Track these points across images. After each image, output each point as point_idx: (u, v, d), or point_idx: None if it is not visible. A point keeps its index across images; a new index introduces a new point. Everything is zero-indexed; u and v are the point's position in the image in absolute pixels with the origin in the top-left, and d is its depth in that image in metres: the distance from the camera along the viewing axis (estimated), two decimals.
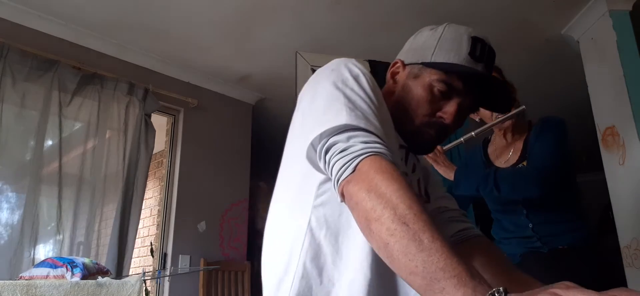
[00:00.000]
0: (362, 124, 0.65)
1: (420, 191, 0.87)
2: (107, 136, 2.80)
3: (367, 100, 0.70)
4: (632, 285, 2.25)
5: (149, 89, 2.96)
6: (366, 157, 0.62)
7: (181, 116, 3.27)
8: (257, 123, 3.80)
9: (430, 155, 1.68)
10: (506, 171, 1.53)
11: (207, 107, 3.37)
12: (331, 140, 0.65)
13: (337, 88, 0.70)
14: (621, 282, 2.22)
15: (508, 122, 1.60)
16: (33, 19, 2.57)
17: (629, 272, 2.33)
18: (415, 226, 0.54)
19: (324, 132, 0.66)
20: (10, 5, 2.47)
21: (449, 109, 0.81)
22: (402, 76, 0.86)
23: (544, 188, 1.42)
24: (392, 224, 0.55)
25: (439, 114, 0.81)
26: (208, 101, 3.39)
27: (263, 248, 0.79)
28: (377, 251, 0.59)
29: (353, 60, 0.77)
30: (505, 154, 1.64)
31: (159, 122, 3.27)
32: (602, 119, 2.58)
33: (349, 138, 0.64)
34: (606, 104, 2.56)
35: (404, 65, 0.87)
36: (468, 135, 1.66)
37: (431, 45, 0.82)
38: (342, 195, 0.64)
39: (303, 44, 2.83)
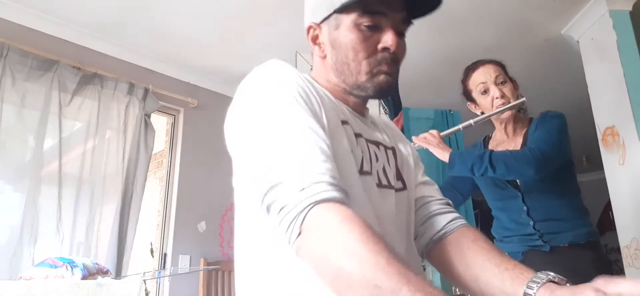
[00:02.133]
0: (291, 171, 0.58)
1: (388, 180, 0.79)
2: (107, 136, 2.80)
3: (298, 122, 0.63)
4: None
5: (148, 89, 2.96)
6: (309, 211, 0.56)
7: (181, 116, 3.27)
8: None
9: (423, 136, 1.67)
10: (501, 152, 1.53)
11: (207, 107, 3.37)
12: (267, 198, 0.59)
13: (259, 122, 0.64)
14: None
15: (508, 115, 1.60)
16: (33, 19, 2.57)
17: (629, 272, 2.33)
18: (389, 284, 0.48)
19: (260, 191, 0.60)
20: (10, 5, 2.47)
21: (387, 39, 0.74)
22: (324, 37, 0.79)
23: (539, 170, 1.41)
24: (365, 291, 0.49)
25: (380, 47, 0.75)
26: (208, 101, 3.39)
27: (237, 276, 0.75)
28: None
29: (275, 68, 0.71)
30: (506, 148, 1.64)
31: (159, 122, 3.27)
32: (602, 119, 2.58)
33: (284, 189, 0.58)
34: (606, 104, 2.56)
35: (318, 25, 0.80)
36: (466, 123, 1.65)
37: None
38: (299, 256, 0.58)
39: (303, 44, 2.82)
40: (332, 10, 0.76)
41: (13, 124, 2.39)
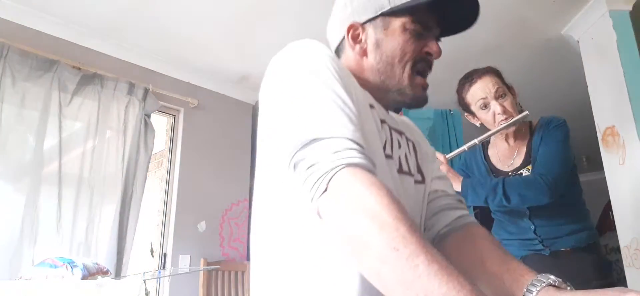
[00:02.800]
0: (324, 133, 0.59)
1: (409, 167, 0.81)
2: (106, 136, 2.79)
3: (332, 92, 0.64)
4: (632, 285, 2.25)
5: (148, 89, 2.96)
6: (338, 171, 0.56)
7: (181, 116, 3.27)
8: (257, 123, 3.79)
9: None
10: (514, 181, 1.50)
11: (207, 107, 3.37)
12: (297, 155, 0.60)
13: (296, 85, 0.65)
14: (621, 282, 2.22)
15: (510, 128, 1.58)
16: (33, 19, 2.57)
17: (629, 272, 2.33)
18: (407, 250, 0.49)
19: (287, 148, 0.61)
20: (10, 5, 2.47)
21: (433, 45, 0.80)
22: (368, 37, 0.81)
23: (553, 196, 1.41)
24: (382, 251, 0.50)
25: (425, 51, 0.80)
26: (208, 101, 3.39)
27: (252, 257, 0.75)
28: (369, 280, 0.54)
29: (311, 42, 0.72)
30: (509, 159, 1.62)
31: (159, 122, 3.26)
32: (602, 119, 2.58)
33: (316, 149, 0.58)
34: (606, 104, 2.56)
35: (362, 25, 0.81)
36: (471, 143, 1.63)
37: None
38: (319, 215, 0.58)
39: None
40: (379, 12, 0.79)
41: (13, 124, 2.39)
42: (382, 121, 0.78)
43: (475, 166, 1.71)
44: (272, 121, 0.69)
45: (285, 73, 0.69)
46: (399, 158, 0.79)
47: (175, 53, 3.07)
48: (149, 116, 2.96)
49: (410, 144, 0.87)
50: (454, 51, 3.08)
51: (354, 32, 0.82)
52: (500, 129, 1.55)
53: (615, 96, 2.48)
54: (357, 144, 0.59)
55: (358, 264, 0.55)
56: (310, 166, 0.58)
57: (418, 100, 0.82)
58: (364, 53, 0.81)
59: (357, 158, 0.57)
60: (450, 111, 3.50)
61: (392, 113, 0.90)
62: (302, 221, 0.66)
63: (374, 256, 0.51)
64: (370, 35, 0.80)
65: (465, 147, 1.66)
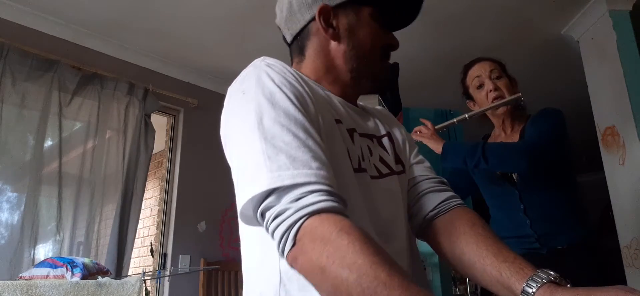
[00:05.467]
0: (285, 180, 0.55)
1: (387, 167, 0.80)
2: (107, 136, 2.80)
3: (292, 125, 0.60)
4: (632, 285, 2.25)
5: (149, 89, 2.96)
6: (304, 221, 0.54)
7: (181, 116, 3.27)
8: None
9: (417, 128, 1.67)
10: (494, 144, 1.52)
11: (207, 107, 3.37)
12: (262, 206, 0.57)
13: (252, 128, 0.61)
14: (621, 282, 2.21)
15: (503, 110, 1.59)
16: (33, 19, 2.57)
17: (629, 272, 2.33)
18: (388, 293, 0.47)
19: (250, 200, 0.58)
20: (10, 5, 2.47)
21: (394, 40, 0.83)
22: (340, 22, 0.79)
23: (532, 163, 1.40)
24: None
25: (389, 42, 0.83)
26: (208, 101, 3.39)
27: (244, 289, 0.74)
28: None
29: (265, 67, 0.68)
30: None
31: (159, 122, 3.27)
32: (602, 119, 2.58)
33: (279, 198, 0.56)
34: (606, 104, 2.56)
35: (333, 9, 0.79)
36: (461, 117, 1.65)
37: None
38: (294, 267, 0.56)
39: None
40: None
41: (13, 124, 2.40)
42: (351, 131, 0.75)
43: None
44: (234, 166, 0.65)
45: (242, 109, 0.65)
46: (375, 165, 0.78)
47: (175, 53, 3.07)
48: (149, 116, 2.96)
49: (385, 139, 0.85)
50: (454, 51, 3.10)
51: (326, 14, 0.79)
52: (491, 108, 1.58)
53: (615, 96, 2.48)
54: (323, 184, 0.56)
55: None
56: (275, 218, 0.55)
57: (385, 83, 0.87)
58: (336, 38, 0.79)
59: (322, 202, 0.54)
60: (450, 110, 3.50)
61: (361, 104, 0.89)
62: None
63: None
64: (343, 21, 0.79)
65: (454, 120, 1.68)
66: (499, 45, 2.95)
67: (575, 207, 1.53)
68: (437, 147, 1.60)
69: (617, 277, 2.30)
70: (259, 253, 0.70)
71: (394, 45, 0.83)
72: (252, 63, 0.72)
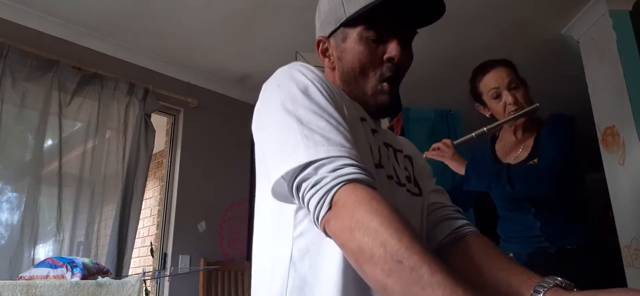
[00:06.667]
0: (322, 154, 0.61)
1: (398, 177, 0.82)
2: (107, 136, 2.80)
3: (324, 114, 0.66)
4: (632, 284, 2.25)
5: (149, 89, 2.96)
6: (339, 188, 0.58)
7: (181, 116, 3.27)
8: None
9: (436, 147, 1.65)
10: (519, 169, 1.49)
11: (207, 107, 3.37)
12: (299, 178, 0.61)
13: (288, 113, 0.66)
14: (621, 282, 2.22)
15: (520, 121, 1.57)
16: (33, 19, 2.57)
17: (629, 272, 2.33)
18: (410, 262, 0.50)
19: (286, 174, 0.62)
20: (10, 5, 2.47)
21: (392, 49, 0.76)
22: (332, 49, 0.82)
23: (557, 187, 1.41)
24: (386, 265, 0.51)
25: (385, 57, 0.77)
26: (208, 101, 3.39)
27: (252, 278, 0.78)
28: (376, 292, 0.56)
29: (299, 66, 0.73)
30: (515, 151, 1.61)
31: (159, 122, 3.27)
32: (602, 119, 2.58)
33: (316, 169, 0.60)
34: (606, 104, 2.56)
35: (327, 38, 0.83)
36: (480, 130, 1.62)
37: (337, 2, 0.78)
38: (325, 232, 0.60)
39: (303, 44, 2.83)
40: (338, 24, 0.79)
41: (13, 124, 2.40)
42: (374, 131, 0.80)
43: (481, 160, 1.70)
44: (269, 145, 0.69)
45: (280, 96, 0.69)
46: (393, 167, 0.81)
47: (175, 53, 3.07)
48: (149, 116, 2.96)
49: (407, 159, 0.89)
50: (454, 51, 3.10)
51: (322, 46, 0.84)
52: (510, 119, 1.54)
53: (615, 96, 2.48)
54: (355, 160, 0.61)
55: (364, 278, 0.56)
56: (313, 186, 0.60)
57: (382, 108, 0.81)
58: (333, 66, 0.83)
59: (356, 173, 0.59)
60: (450, 111, 3.50)
61: (387, 131, 0.92)
62: (301, 223, 0.69)
63: (379, 270, 0.52)
64: (333, 48, 0.82)
65: (473, 134, 1.64)
66: (498, 45, 2.94)
67: (584, 210, 1.53)
68: (459, 168, 1.59)
69: (620, 277, 2.30)
70: (271, 236, 0.74)
71: (391, 57, 0.77)
72: (287, 65, 0.76)
